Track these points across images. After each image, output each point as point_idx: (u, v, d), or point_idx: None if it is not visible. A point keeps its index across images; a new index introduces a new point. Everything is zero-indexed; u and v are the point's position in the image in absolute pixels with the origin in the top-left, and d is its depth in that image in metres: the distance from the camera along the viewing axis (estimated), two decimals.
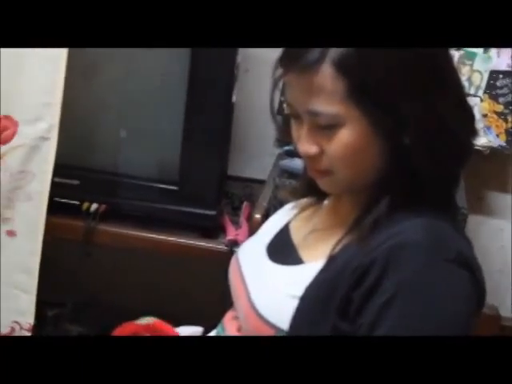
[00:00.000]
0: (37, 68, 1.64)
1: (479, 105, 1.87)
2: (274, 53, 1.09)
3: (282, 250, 1.20)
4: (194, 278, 1.99)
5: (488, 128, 1.87)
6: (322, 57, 1.03)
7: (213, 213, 1.77)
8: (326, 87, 1.04)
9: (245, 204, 1.88)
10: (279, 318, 1.08)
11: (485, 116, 1.87)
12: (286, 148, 1.85)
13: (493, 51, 1.85)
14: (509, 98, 1.86)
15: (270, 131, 2.00)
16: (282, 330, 1.08)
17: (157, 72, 1.79)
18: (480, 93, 1.87)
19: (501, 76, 1.86)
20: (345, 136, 1.06)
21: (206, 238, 1.79)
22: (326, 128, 1.07)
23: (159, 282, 2.08)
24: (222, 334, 1.23)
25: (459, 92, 1.13)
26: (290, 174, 1.77)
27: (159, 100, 1.79)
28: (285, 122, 1.21)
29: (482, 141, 1.85)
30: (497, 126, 1.87)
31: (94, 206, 1.78)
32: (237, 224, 1.82)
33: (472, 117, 1.14)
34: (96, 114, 1.83)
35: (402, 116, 1.04)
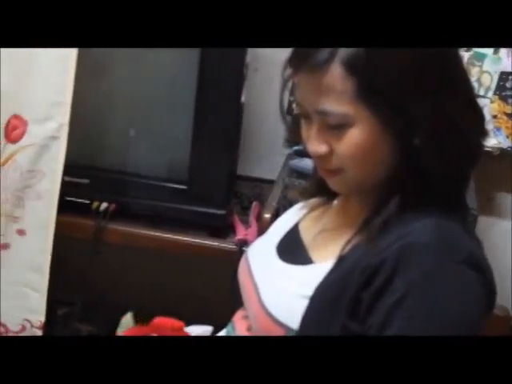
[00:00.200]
0: (47, 67, 1.64)
1: (489, 106, 1.86)
2: (284, 52, 1.09)
3: (292, 250, 1.21)
4: (203, 278, 1.99)
5: (498, 129, 1.86)
6: (332, 57, 1.03)
7: (222, 212, 1.77)
8: (335, 87, 1.04)
9: (254, 204, 1.88)
10: (289, 318, 1.08)
11: (494, 117, 1.87)
12: (296, 148, 1.85)
13: (503, 52, 1.85)
14: None
15: (279, 131, 1.99)
16: (292, 330, 1.08)
17: (166, 72, 1.79)
18: (490, 94, 1.87)
19: (510, 77, 1.85)
20: (354, 135, 1.06)
21: (216, 237, 1.79)
22: (336, 127, 1.07)
23: (168, 281, 2.08)
24: (232, 333, 1.23)
25: (469, 93, 1.13)
26: (300, 173, 1.77)
27: (169, 100, 1.79)
28: (294, 121, 1.21)
29: (491, 142, 1.85)
30: (507, 128, 1.86)
31: (104, 205, 1.78)
32: (246, 224, 1.82)
33: (482, 117, 1.14)
34: (106, 114, 1.83)
35: (411, 116, 1.04)
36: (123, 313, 1.41)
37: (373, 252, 1.04)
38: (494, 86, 1.87)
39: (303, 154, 1.71)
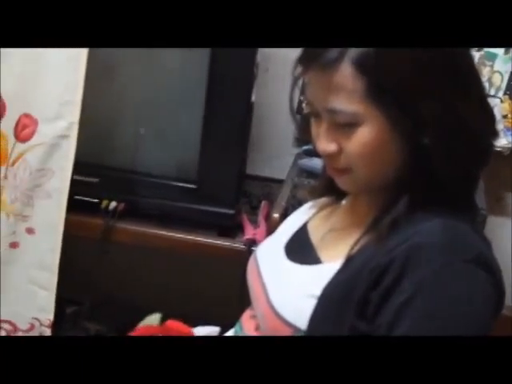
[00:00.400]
0: (57, 66, 1.65)
1: (499, 106, 1.86)
2: (294, 52, 1.09)
3: (300, 250, 1.21)
4: (211, 277, 2.00)
5: (508, 129, 1.86)
6: (342, 55, 1.03)
7: (231, 212, 1.77)
8: (345, 86, 1.04)
9: (263, 203, 1.88)
10: (297, 318, 1.08)
11: (505, 117, 1.86)
12: (305, 147, 1.85)
13: None
14: None
15: (289, 131, 2.01)
16: (300, 330, 1.08)
17: (176, 71, 1.79)
18: (500, 94, 1.87)
19: None
20: (364, 134, 1.06)
21: (224, 236, 1.80)
22: (345, 126, 1.07)
23: (177, 280, 2.09)
24: (240, 333, 1.23)
25: (480, 93, 1.12)
26: (309, 173, 1.77)
27: (179, 99, 1.80)
28: (304, 120, 1.21)
29: (502, 142, 1.84)
30: None
31: (113, 204, 1.79)
32: (255, 223, 1.82)
33: (493, 118, 1.13)
34: (116, 113, 1.84)
35: (421, 116, 1.04)
36: (131, 312, 1.41)
37: (381, 252, 1.04)
38: (504, 85, 1.86)
39: (312, 153, 1.71)
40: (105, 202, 1.79)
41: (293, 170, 1.86)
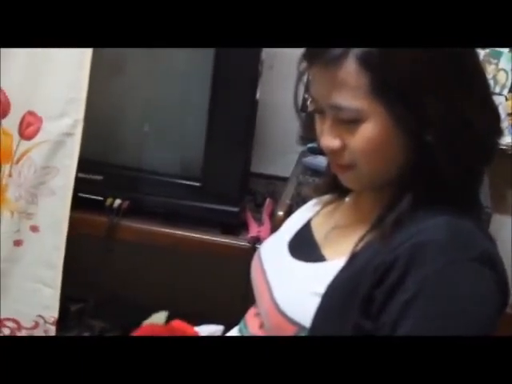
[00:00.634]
0: (61, 64, 1.65)
1: (504, 104, 1.86)
2: (299, 50, 1.09)
3: (304, 247, 1.21)
4: (216, 275, 2.00)
5: None
6: (346, 52, 1.04)
7: (235, 209, 1.77)
8: (349, 82, 1.04)
9: (268, 201, 1.88)
10: (301, 315, 1.09)
11: (510, 115, 1.86)
12: (310, 145, 1.85)
13: None
14: None
15: (293, 128, 2.01)
16: (304, 327, 1.08)
17: (181, 69, 1.79)
18: (505, 92, 1.87)
19: None
20: (367, 131, 1.06)
21: (229, 234, 1.80)
22: (349, 122, 1.07)
23: (181, 278, 2.09)
24: (244, 331, 1.23)
25: (485, 91, 1.12)
26: (313, 171, 1.77)
27: (183, 97, 1.80)
28: (308, 118, 1.21)
29: (506, 140, 1.84)
30: None
31: (118, 202, 1.79)
32: (259, 221, 1.82)
33: (497, 117, 1.13)
34: (120, 111, 1.84)
35: (424, 114, 1.04)
36: (135, 310, 1.41)
37: (386, 250, 1.04)
38: (509, 83, 1.86)
39: (317, 151, 1.71)
40: (109, 200, 1.79)
41: (297, 168, 1.86)
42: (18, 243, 1.74)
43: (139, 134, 1.83)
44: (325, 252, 1.17)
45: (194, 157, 1.78)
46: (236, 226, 1.81)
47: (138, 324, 1.34)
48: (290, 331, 1.09)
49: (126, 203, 1.79)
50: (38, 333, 1.77)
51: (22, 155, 1.69)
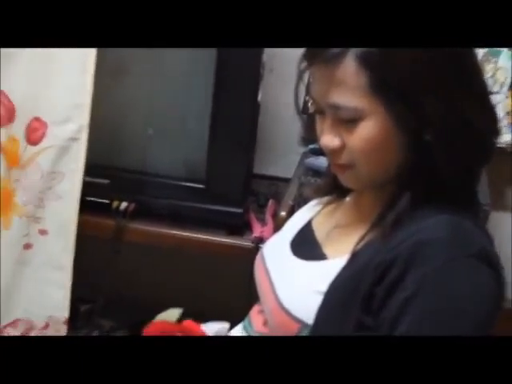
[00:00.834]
0: (66, 70, 1.65)
1: (503, 102, 1.85)
2: (299, 53, 1.10)
3: (306, 246, 1.21)
4: (220, 274, 2.00)
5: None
6: (345, 50, 1.04)
7: (239, 210, 1.78)
8: (348, 81, 1.05)
9: (270, 202, 1.88)
10: (304, 313, 1.09)
11: (509, 113, 1.85)
12: (311, 146, 1.85)
13: None
14: None
15: (295, 130, 2.01)
16: (307, 324, 1.08)
17: (184, 73, 1.79)
18: (504, 90, 1.85)
19: None
20: (366, 130, 1.06)
21: (233, 235, 1.80)
22: (348, 122, 1.07)
23: (187, 277, 2.10)
24: (249, 328, 1.24)
25: (483, 91, 1.12)
26: (315, 172, 1.77)
27: (186, 100, 1.80)
28: (310, 119, 1.22)
29: (505, 138, 1.83)
30: None
31: (124, 205, 1.79)
32: (262, 221, 1.82)
33: (495, 117, 1.13)
34: (125, 116, 1.84)
35: (423, 113, 1.04)
36: (143, 309, 1.42)
37: (386, 248, 1.05)
38: (508, 81, 1.84)
39: (318, 152, 1.71)
40: (115, 203, 1.80)
41: (299, 169, 1.86)
42: (27, 246, 1.75)
43: (143, 138, 1.83)
44: (326, 251, 1.17)
45: (197, 159, 1.78)
46: (240, 227, 1.81)
47: (145, 322, 1.34)
48: (293, 328, 1.10)
49: (132, 206, 1.79)
50: (50, 333, 1.77)
51: (29, 160, 1.70)
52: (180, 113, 1.81)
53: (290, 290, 1.14)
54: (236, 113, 1.73)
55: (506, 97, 1.85)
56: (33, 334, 1.78)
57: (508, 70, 1.84)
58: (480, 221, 1.15)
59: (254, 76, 1.73)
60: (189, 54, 1.74)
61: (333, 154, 1.12)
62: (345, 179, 1.15)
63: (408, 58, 1.02)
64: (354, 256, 1.09)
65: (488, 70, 1.83)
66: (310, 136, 1.91)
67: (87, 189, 1.72)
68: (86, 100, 1.65)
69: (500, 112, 1.80)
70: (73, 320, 1.82)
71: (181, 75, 1.79)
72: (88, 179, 1.72)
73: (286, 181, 1.87)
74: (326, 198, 1.31)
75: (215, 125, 1.73)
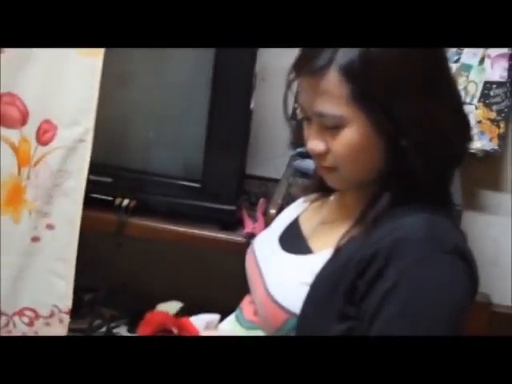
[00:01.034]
0: (74, 77, 1.65)
1: (474, 112, 1.86)
2: (288, 64, 1.11)
3: (293, 241, 1.21)
4: (214, 267, 2.00)
5: (482, 133, 1.86)
6: (330, 63, 1.05)
7: (232, 208, 1.77)
8: (332, 91, 1.06)
9: (261, 200, 1.87)
10: (292, 303, 1.09)
11: (479, 122, 1.86)
12: (299, 150, 1.84)
13: (487, 63, 1.85)
14: (501, 106, 1.85)
15: (284, 135, 1.98)
16: (295, 314, 1.08)
17: (182, 80, 1.79)
18: (475, 101, 1.86)
19: (494, 86, 1.85)
20: (348, 136, 1.07)
21: (226, 230, 1.79)
22: (332, 128, 1.08)
23: (183, 270, 2.09)
24: (240, 317, 1.23)
25: (456, 100, 1.13)
26: (302, 173, 1.77)
27: (185, 106, 1.80)
28: (298, 125, 1.22)
29: (476, 145, 1.84)
30: (490, 132, 1.86)
31: (126, 202, 1.79)
32: (254, 218, 1.81)
33: (467, 124, 1.14)
34: (127, 119, 1.84)
35: (401, 121, 1.05)
36: (143, 299, 1.42)
37: (367, 244, 1.06)
38: (478, 94, 1.86)
39: (305, 155, 1.71)
40: (118, 200, 1.79)
41: (288, 171, 1.85)
42: (35, 239, 1.74)
43: (145, 140, 1.83)
44: (312, 245, 1.17)
45: (194, 160, 1.77)
46: (233, 223, 1.80)
47: (144, 312, 1.34)
48: (282, 318, 1.10)
49: (134, 202, 1.79)
50: (54, 321, 1.76)
51: (39, 159, 1.69)
52: (179, 118, 1.81)
53: (279, 282, 1.14)
54: (230, 118, 1.73)
55: (476, 107, 1.86)
56: (38, 322, 1.77)
57: (478, 84, 1.86)
58: (454, 219, 1.15)
59: (247, 85, 1.73)
60: (188, 63, 1.75)
61: (318, 157, 1.12)
62: (330, 180, 1.16)
63: (386, 71, 1.03)
64: (338, 251, 1.10)
65: (460, 82, 1.84)
66: (297, 140, 1.89)
67: (92, 186, 1.71)
68: (92, 105, 1.65)
69: (472, 120, 1.80)
70: (76, 309, 1.81)
71: (180, 83, 1.79)
72: (93, 177, 1.71)
73: (276, 181, 1.86)
74: (312, 196, 1.31)
75: (211, 130, 1.73)
